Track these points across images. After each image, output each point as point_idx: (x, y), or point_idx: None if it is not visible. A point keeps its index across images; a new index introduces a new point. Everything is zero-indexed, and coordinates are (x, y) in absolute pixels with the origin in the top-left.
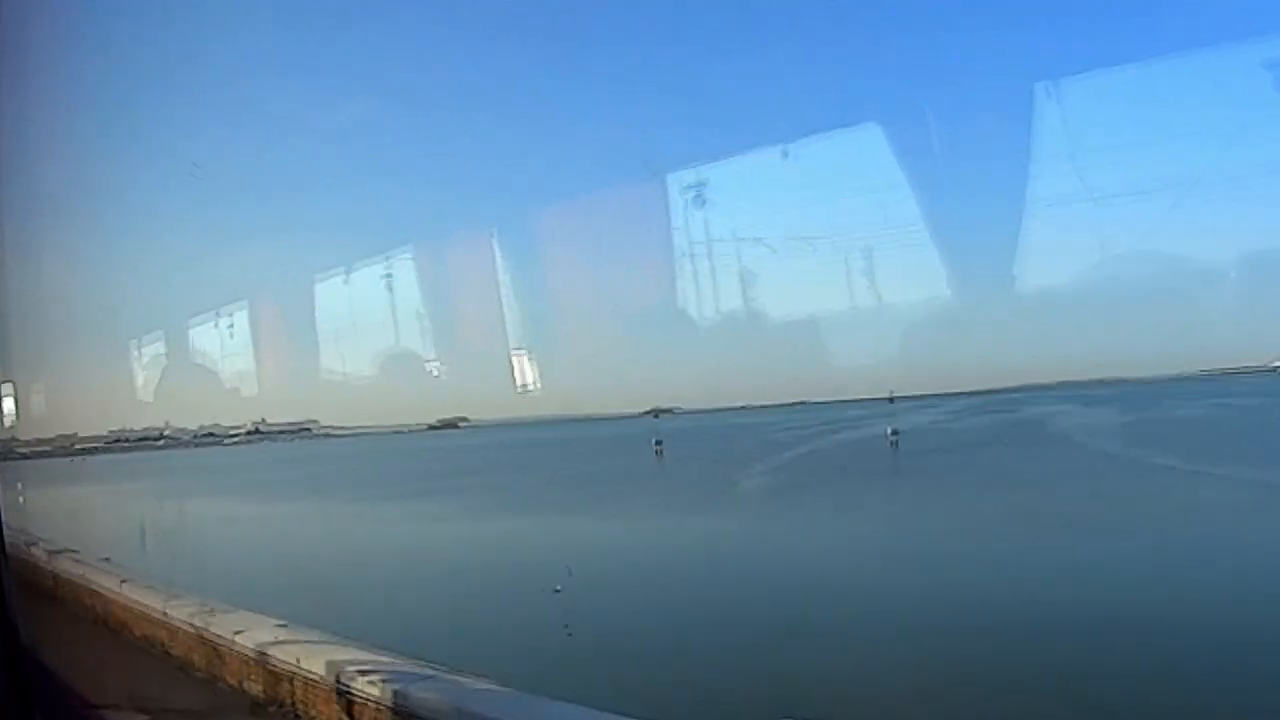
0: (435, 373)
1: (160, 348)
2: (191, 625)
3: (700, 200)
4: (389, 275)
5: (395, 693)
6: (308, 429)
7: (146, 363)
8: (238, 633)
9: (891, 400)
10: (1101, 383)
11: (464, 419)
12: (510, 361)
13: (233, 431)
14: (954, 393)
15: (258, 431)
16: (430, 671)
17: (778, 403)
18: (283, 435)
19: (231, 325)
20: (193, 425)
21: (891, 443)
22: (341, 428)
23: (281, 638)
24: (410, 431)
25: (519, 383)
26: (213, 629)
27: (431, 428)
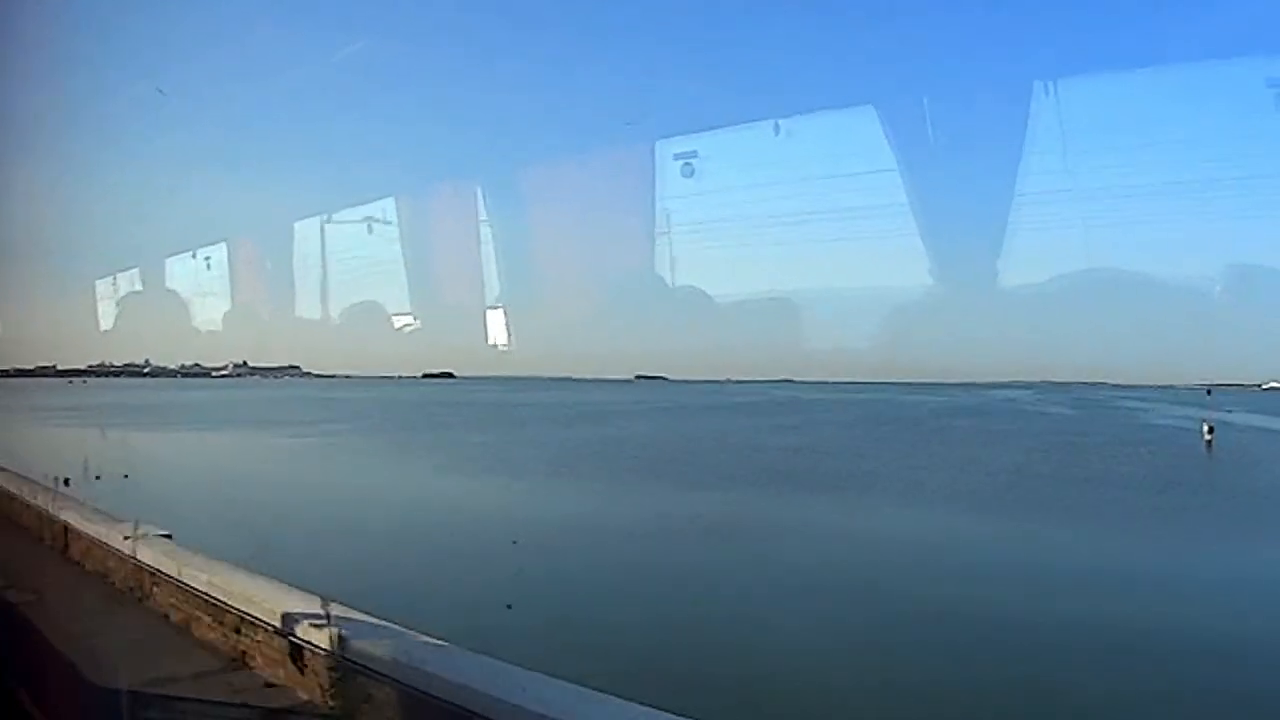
0: (416, 324)
1: (140, 283)
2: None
3: (690, 170)
4: (373, 222)
5: (342, 640)
6: (294, 370)
7: (127, 297)
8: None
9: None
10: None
11: (450, 373)
12: (488, 318)
13: (217, 370)
14: (936, 383)
15: (245, 366)
16: (378, 623)
17: (766, 378)
18: (270, 375)
19: (210, 263)
20: (173, 363)
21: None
22: (327, 372)
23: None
24: (400, 380)
25: (494, 340)
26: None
27: (427, 376)
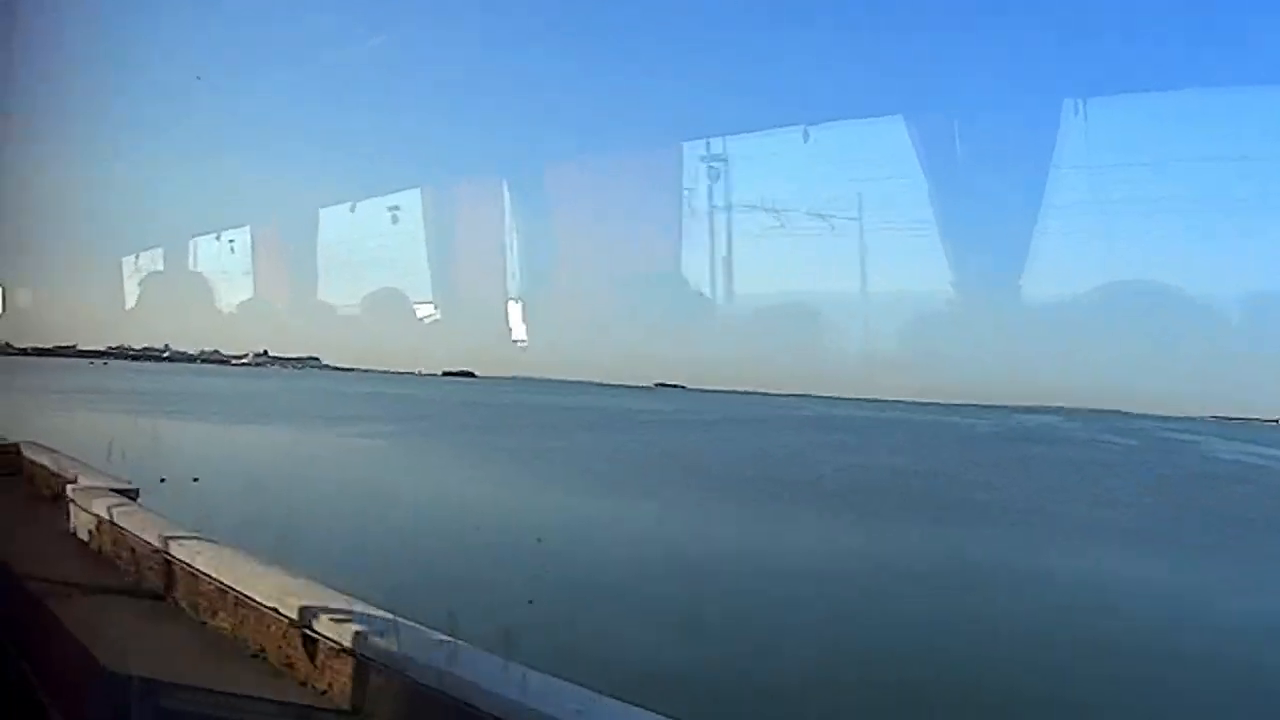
0: (437, 318)
1: (162, 265)
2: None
3: (716, 173)
4: (397, 214)
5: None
6: (314, 360)
7: (148, 279)
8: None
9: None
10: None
11: (471, 372)
12: (509, 315)
13: (237, 358)
14: (959, 405)
15: (265, 355)
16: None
17: (783, 392)
18: (290, 365)
19: (234, 247)
20: (193, 349)
21: None
22: (346, 365)
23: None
24: (423, 377)
25: (515, 340)
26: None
27: (447, 374)
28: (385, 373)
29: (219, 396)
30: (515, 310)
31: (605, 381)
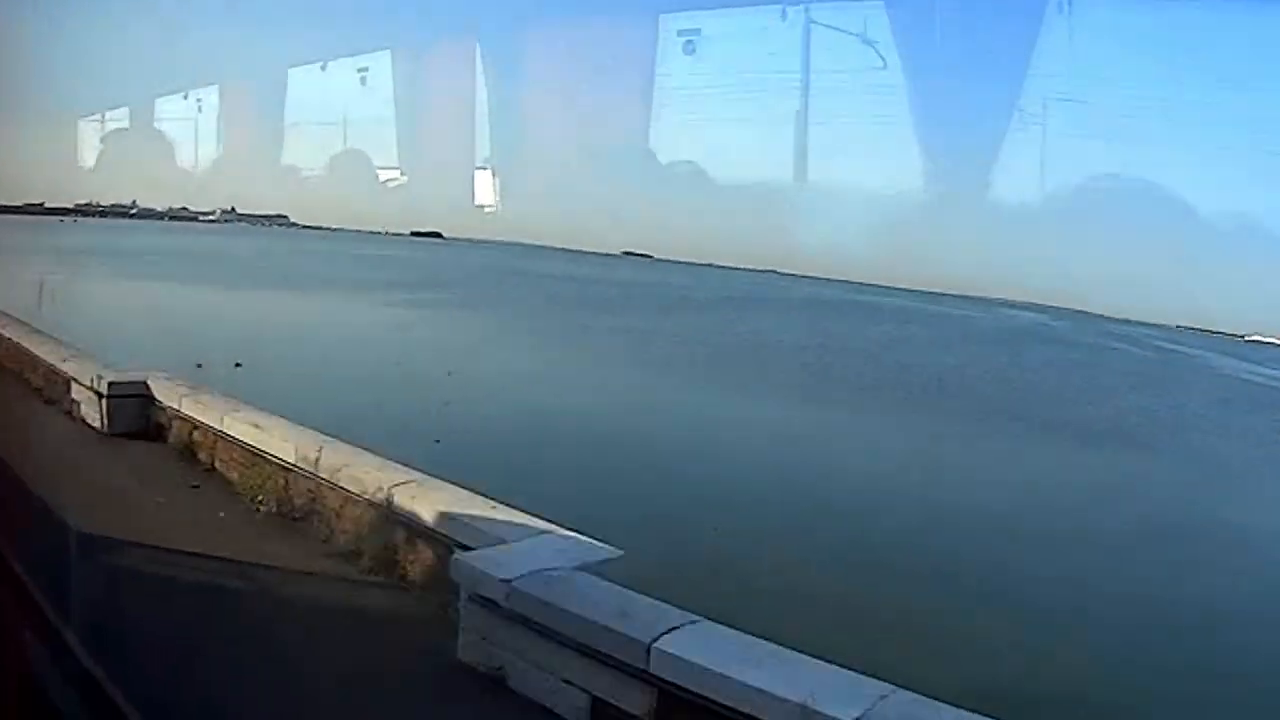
0: (403, 179)
1: (129, 122)
2: None
3: (692, 47)
4: (365, 74)
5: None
6: (283, 218)
7: (115, 134)
8: None
9: None
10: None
11: (439, 233)
12: (476, 179)
13: (205, 215)
14: (936, 293)
15: (233, 212)
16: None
17: (753, 267)
18: (259, 222)
19: (200, 105)
20: (160, 205)
21: None
22: (315, 224)
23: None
24: (392, 237)
25: (482, 202)
26: None
27: (415, 234)
28: (356, 231)
29: (207, 256)
30: (483, 175)
31: (573, 247)
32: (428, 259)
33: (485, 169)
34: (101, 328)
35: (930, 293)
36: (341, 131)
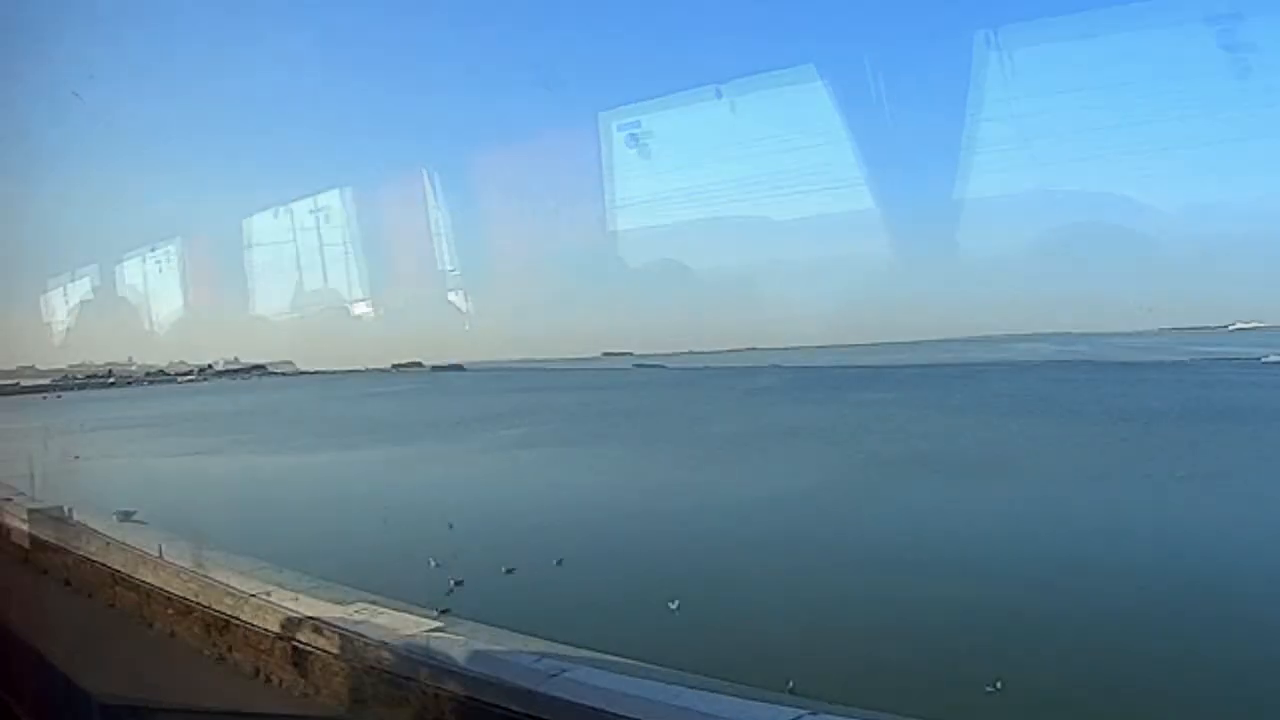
0: (378, 313)
1: (93, 290)
2: None
3: (634, 140)
4: (323, 215)
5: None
6: (260, 369)
7: (80, 305)
8: None
9: None
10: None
11: (419, 362)
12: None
13: (183, 375)
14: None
15: (211, 369)
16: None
17: (726, 349)
18: (238, 376)
19: (161, 267)
20: (138, 370)
21: None
22: (295, 370)
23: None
24: (374, 373)
25: (463, 325)
26: None
27: (396, 366)
28: (335, 372)
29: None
30: (456, 299)
31: (552, 356)
32: (439, 400)
33: (456, 292)
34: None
35: (916, 342)
36: (310, 275)
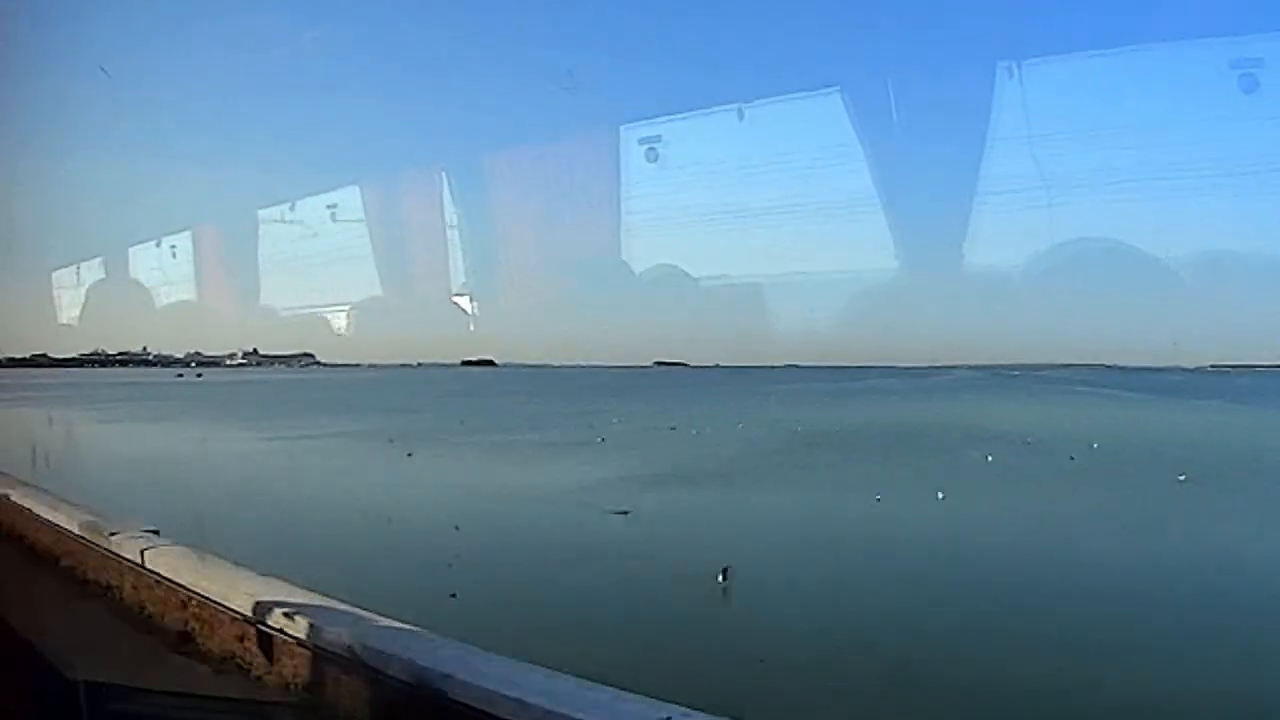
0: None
1: (140, 271)
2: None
3: (654, 154)
4: (334, 210)
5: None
6: (309, 357)
7: (125, 284)
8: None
9: None
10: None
11: (492, 361)
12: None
13: (228, 358)
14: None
15: (255, 353)
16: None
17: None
18: (280, 362)
19: (174, 252)
20: (178, 352)
21: None
22: (341, 361)
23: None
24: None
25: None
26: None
27: (466, 363)
28: (390, 365)
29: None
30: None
31: (605, 363)
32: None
33: (463, 295)
34: None
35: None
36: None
